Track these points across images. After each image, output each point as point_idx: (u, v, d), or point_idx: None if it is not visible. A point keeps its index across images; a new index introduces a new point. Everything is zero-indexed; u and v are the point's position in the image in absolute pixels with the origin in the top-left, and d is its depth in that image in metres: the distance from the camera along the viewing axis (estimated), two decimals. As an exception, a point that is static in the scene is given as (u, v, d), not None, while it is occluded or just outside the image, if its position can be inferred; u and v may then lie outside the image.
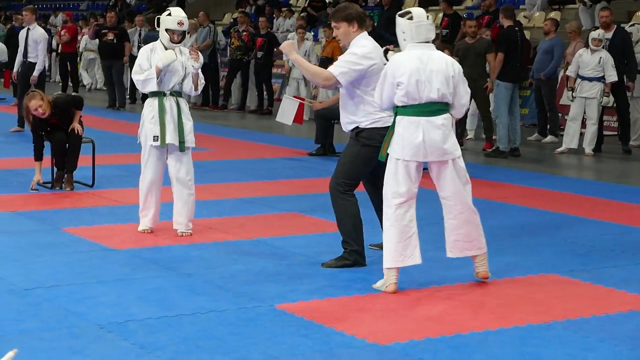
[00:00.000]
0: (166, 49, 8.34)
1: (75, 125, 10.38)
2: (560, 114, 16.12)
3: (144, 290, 6.63)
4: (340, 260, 7.41)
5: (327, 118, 13.43)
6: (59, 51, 23.86)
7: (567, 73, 14.69)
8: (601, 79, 14.20)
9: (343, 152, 7.62)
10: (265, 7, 26.09)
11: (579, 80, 14.36)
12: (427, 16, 6.89)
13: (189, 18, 8.88)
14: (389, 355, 5.43)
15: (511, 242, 8.40)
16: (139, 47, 20.50)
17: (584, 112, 14.44)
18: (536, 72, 15.58)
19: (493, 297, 6.66)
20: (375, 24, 20.30)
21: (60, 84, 23.23)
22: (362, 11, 7.56)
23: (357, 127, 7.38)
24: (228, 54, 20.55)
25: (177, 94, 8.44)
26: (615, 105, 14.85)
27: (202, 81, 8.57)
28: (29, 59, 15.51)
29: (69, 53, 22.57)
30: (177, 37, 8.37)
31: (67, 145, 10.44)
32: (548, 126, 15.89)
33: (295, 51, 7.63)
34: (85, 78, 24.81)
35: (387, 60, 7.08)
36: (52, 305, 6.23)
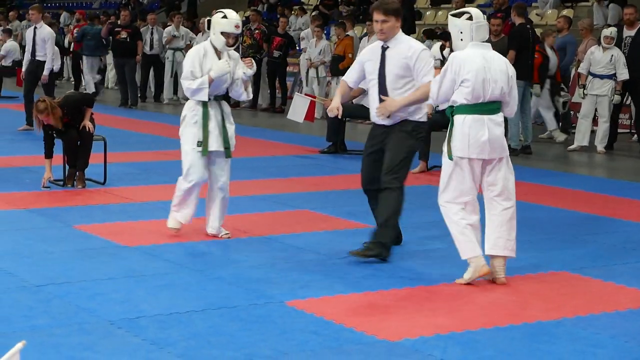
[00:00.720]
0: (217, 53, 7.95)
1: (87, 123, 10.41)
2: (572, 112, 16.09)
3: (155, 287, 6.65)
4: (368, 251, 7.46)
5: (345, 116, 13.42)
6: (71, 49, 23.93)
7: (579, 70, 14.67)
8: (612, 76, 14.17)
9: (396, 146, 7.56)
10: (277, 6, 26.11)
11: (590, 77, 14.33)
12: (484, 16, 7.03)
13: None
14: (398, 351, 5.43)
15: (522, 239, 8.35)
16: (151, 46, 20.57)
17: (596, 110, 14.42)
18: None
19: (503, 294, 6.66)
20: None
21: (73, 83, 23.30)
22: (399, 7, 7.74)
23: (406, 121, 7.54)
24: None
25: (220, 97, 8.17)
26: (630, 102, 14.81)
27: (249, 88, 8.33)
28: (36, 58, 15.56)
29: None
30: (232, 40, 7.95)
31: (78, 143, 10.46)
32: (560, 124, 15.86)
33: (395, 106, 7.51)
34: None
35: (443, 56, 7.19)
36: (62, 302, 6.25)
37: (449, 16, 7.09)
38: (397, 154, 7.56)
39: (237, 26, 7.91)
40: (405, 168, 7.66)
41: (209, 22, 8.06)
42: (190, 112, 8.08)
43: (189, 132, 8.08)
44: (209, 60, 7.95)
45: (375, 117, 7.65)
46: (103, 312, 6.01)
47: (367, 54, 7.72)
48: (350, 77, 7.85)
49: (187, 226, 8.54)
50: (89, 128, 10.41)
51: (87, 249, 7.73)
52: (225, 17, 7.95)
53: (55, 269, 7.07)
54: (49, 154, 10.36)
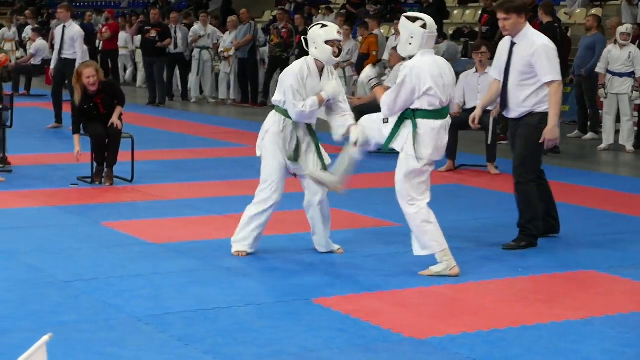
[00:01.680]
0: (318, 67, 7.32)
1: (115, 120, 10.45)
2: (600, 111, 15.99)
3: (181, 284, 6.66)
4: (519, 242, 7.90)
5: (365, 114, 13.39)
6: (100, 48, 24.05)
7: (597, 70, 14.53)
8: (632, 74, 14.06)
9: (523, 141, 7.85)
10: (304, 5, 26.10)
11: (609, 76, 14.22)
12: (436, 27, 7.14)
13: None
14: (425, 349, 5.41)
15: (550, 238, 8.34)
16: (175, 45, 20.59)
17: (618, 109, 14.31)
18: (577, 69, 15.47)
19: (530, 293, 6.62)
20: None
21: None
22: (526, 2, 7.96)
23: (532, 113, 7.78)
24: (267, 51, 20.60)
25: None
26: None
27: None
28: (64, 56, 15.63)
29: (110, 50, 22.72)
30: (337, 49, 7.31)
31: (106, 140, 10.51)
32: (588, 123, 15.77)
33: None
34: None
35: None
36: (90, 298, 6.27)
37: (403, 17, 7.08)
38: (525, 149, 7.90)
39: (339, 32, 7.36)
40: (534, 161, 8.00)
41: (306, 40, 7.35)
42: (275, 125, 7.40)
43: (276, 147, 7.38)
44: (311, 78, 7.30)
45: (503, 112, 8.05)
46: (130, 309, 6.03)
47: (500, 48, 8.08)
48: (493, 72, 8.26)
49: (213, 224, 8.57)
50: (117, 125, 10.45)
51: (115, 245, 7.76)
52: (324, 26, 7.36)
53: (83, 265, 7.10)
54: (77, 129, 10.43)
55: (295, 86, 7.21)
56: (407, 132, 7.00)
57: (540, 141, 7.78)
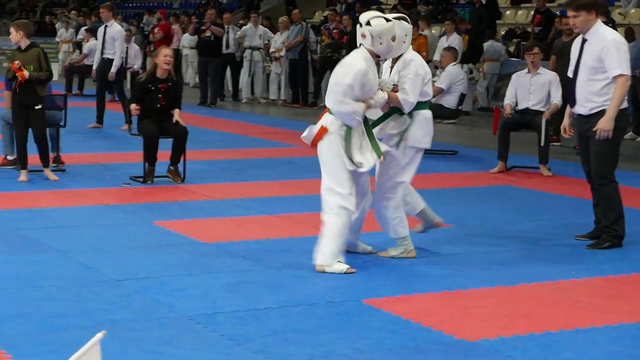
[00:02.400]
0: (374, 60, 7.13)
1: (179, 118, 10.56)
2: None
3: (232, 283, 6.68)
4: (603, 242, 7.96)
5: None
6: (151, 49, 24.16)
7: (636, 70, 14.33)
8: None
9: (599, 142, 7.80)
10: (355, 5, 26.06)
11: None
12: None
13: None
14: (477, 351, 5.37)
15: (603, 240, 8.24)
16: (227, 45, 20.67)
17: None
18: (632, 70, 15.25)
19: (584, 296, 6.55)
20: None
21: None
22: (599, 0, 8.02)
23: (605, 110, 7.75)
24: (318, 52, 20.60)
25: None
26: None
27: None
28: (105, 56, 15.75)
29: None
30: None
31: (158, 139, 10.58)
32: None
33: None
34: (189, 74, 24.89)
35: None
36: (142, 297, 6.31)
37: (398, 21, 7.15)
38: (602, 149, 7.84)
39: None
40: (612, 162, 7.96)
41: (363, 35, 7.03)
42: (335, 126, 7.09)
43: (336, 147, 7.07)
44: (372, 73, 7.06)
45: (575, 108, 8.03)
46: (182, 308, 6.05)
47: (573, 49, 8.07)
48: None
49: (265, 224, 8.58)
50: (181, 122, 10.58)
51: (166, 244, 7.80)
52: (388, 20, 7.08)
53: (135, 264, 7.14)
54: (137, 101, 10.60)
55: (351, 82, 6.93)
56: (402, 126, 7.33)
57: (594, 129, 7.75)
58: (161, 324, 5.73)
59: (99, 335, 2.66)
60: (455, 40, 17.04)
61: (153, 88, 10.56)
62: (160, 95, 10.58)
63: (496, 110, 12.76)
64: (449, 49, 14.33)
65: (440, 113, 13.88)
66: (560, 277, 7.00)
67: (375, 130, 7.27)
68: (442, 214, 9.15)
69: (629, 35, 16.37)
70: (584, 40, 7.89)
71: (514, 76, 12.34)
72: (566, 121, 8.27)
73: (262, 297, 6.34)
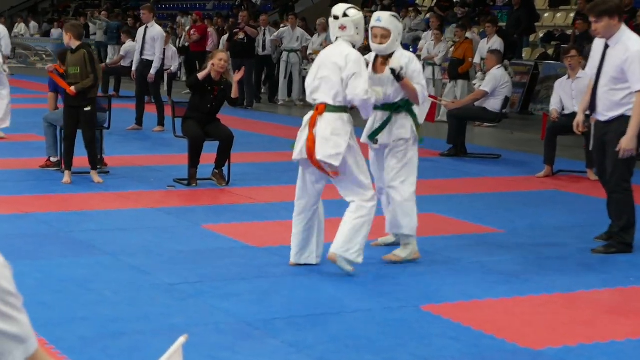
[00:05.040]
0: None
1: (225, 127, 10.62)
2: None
3: (287, 289, 6.61)
4: (609, 248, 7.86)
5: (460, 118, 13.28)
6: (183, 48, 24.14)
7: None
8: None
9: (612, 151, 7.65)
10: (391, 7, 25.99)
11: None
12: None
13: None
14: (542, 360, 5.28)
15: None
16: (263, 47, 20.63)
17: None
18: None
19: (645, 304, 6.44)
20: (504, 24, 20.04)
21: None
22: (620, 4, 7.76)
23: (623, 117, 7.61)
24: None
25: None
26: None
27: None
28: (145, 57, 15.72)
29: (198, 52, 22.85)
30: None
31: (204, 142, 10.54)
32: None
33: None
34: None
35: None
36: (197, 301, 6.25)
37: (393, 17, 7.29)
38: (614, 158, 7.66)
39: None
40: (628, 171, 7.80)
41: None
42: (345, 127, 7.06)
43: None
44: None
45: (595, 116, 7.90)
46: (238, 313, 5.99)
47: (595, 47, 7.90)
48: (589, 72, 8.17)
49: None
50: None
51: (217, 248, 7.74)
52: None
53: (188, 267, 7.09)
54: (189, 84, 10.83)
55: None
56: (406, 124, 7.35)
57: (617, 149, 7.56)
58: (219, 329, 5.67)
59: (182, 340, 2.58)
60: (496, 42, 16.88)
61: (209, 88, 10.53)
62: (212, 97, 10.55)
63: (544, 116, 12.64)
64: (493, 51, 14.21)
65: (484, 116, 13.79)
66: (619, 283, 6.89)
67: (383, 138, 7.36)
68: (490, 218, 9.10)
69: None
70: (606, 46, 7.67)
71: (556, 83, 12.24)
72: (580, 117, 8.10)
73: (317, 303, 6.28)
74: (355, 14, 7.13)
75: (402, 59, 7.25)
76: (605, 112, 7.71)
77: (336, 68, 6.96)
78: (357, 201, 7.01)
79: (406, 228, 7.36)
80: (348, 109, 7.07)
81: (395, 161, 7.40)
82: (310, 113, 7.17)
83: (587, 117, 8.15)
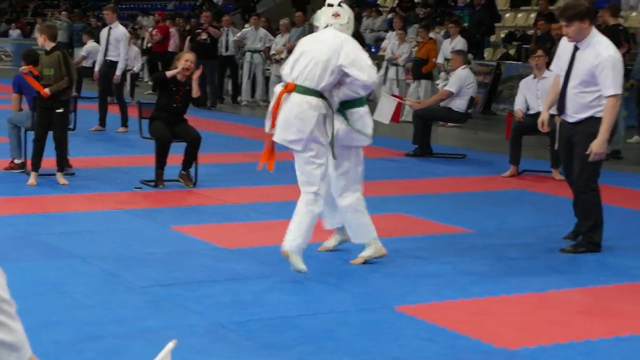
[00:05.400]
0: None
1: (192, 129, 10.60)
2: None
3: (260, 290, 6.58)
4: (578, 247, 7.90)
5: (426, 118, 13.32)
6: (147, 50, 24.03)
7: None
8: None
9: (584, 151, 7.65)
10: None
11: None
12: None
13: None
14: (518, 360, 5.31)
15: (625, 245, 8.20)
16: (226, 48, 20.57)
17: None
18: (637, 73, 15.24)
19: (618, 302, 6.48)
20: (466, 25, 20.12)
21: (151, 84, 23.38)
22: (591, 7, 7.71)
23: (592, 119, 7.62)
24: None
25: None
26: None
27: None
28: (108, 58, 15.63)
29: (160, 52, 22.76)
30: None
31: (170, 143, 10.49)
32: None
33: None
34: None
35: None
36: (170, 304, 6.21)
37: (343, 4, 7.19)
38: (586, 157, 7.66)
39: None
40: (595, 171, 7.83)
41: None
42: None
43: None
44: None
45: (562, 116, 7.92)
46: (212, 315, 5.97)
47: (562, 46, 7.91)
48: (554, 69, 8.17)
49: (283, 229, 8.47)
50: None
51: (188, 250, 7.70)
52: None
53: (159, 270, 7.04)
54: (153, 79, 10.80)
55: None
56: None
57: (587, 152, 7.59)
58: (194, 332, 5.63)
59: (171, 345, 2.56)
60: (460, 42, 16.95)
61: (174, 88, 10.49)
62: (177, 97, 10.51)
63: (509, 115, 12.71)
64: (459, 52, 14.27)
65: (449, 116, 13.84)
66: (589, 283, 6.94)
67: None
68: (459, 218, 9.13)
69: None
70: (576, 48, 7.66)
71: (521, 83, 12.30)
72: (544, 115, 8.10)
73: (292, 304, 6.27)
74: (346, 5, 7.23)
75: None
76: (574, 114, 7.74)
77: (330, 52, 6.87)
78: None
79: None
80: (321, 94, 6.95)
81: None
82: (282, 84, 7.08)
83: (552, 116, 8.20)
